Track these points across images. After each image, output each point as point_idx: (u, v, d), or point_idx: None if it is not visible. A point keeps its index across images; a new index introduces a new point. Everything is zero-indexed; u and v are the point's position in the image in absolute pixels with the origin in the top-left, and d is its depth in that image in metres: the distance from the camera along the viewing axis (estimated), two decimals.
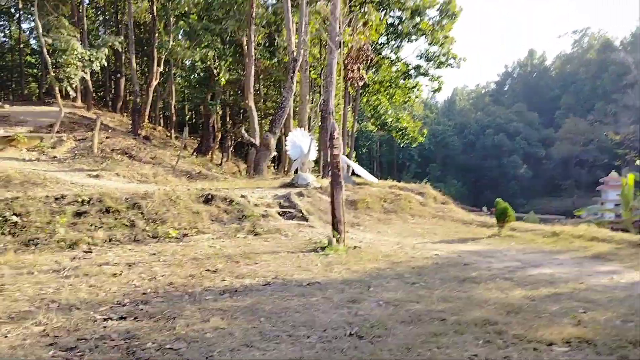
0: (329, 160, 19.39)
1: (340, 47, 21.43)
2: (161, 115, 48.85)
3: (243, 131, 21.83)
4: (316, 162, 19.67)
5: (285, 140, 15.87)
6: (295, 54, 20.55)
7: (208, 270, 7.25)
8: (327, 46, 19.72)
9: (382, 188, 14.33)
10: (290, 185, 15.23)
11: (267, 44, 33.04)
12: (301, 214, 11.81)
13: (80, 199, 10.41)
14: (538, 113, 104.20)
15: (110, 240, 9.49)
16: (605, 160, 73.20)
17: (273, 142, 20.06)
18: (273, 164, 35.87)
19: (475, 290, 6.30)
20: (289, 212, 11.89)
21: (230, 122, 41.72)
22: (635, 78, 63.14)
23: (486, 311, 5.32)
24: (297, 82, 22.15)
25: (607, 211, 26.45)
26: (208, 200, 11.49)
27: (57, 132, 20.21)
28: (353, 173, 16.28)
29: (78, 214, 10.05)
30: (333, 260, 8.00)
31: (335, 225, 9.17)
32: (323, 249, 8.82)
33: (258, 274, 7.08)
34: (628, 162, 70.88)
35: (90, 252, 8.78)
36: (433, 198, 14.62)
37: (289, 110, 23.30)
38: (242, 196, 12.03)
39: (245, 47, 27.02)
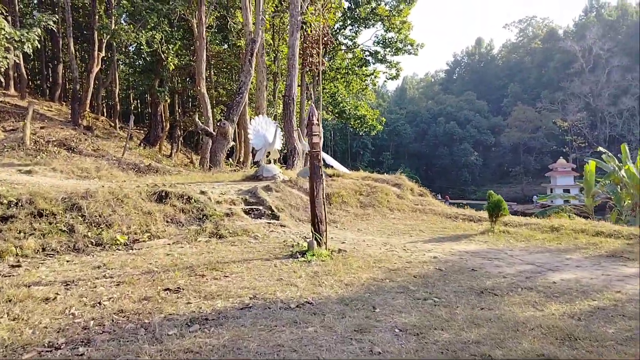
0: (299, 149, 18.10)
1: (302, 28, 20.01)
2: (104, 105, 45.98)
3: (197, 119, 20.06)
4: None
5: (248, 129, 14.34)
6: (253, 35, 18.92)
7: (168, 289, 5.81)
8: (288, 27, 18.25)
9: (356, 180, 13.14)
10: (254, 178, 13.81)
11: (218, 28, 31.06)
12: (271, 212, 10.44)
13: (5, 201, 8.63)
14: (486, 101, 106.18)
15: (43, 249, 7.85)
16: (552, 147, 75.24)
17: (230, 130, 18.41)
18: (226, 156, 34.11)
19: (501, 306, 5.18)
20: (257, 210, 10.49)
21: (180, 110, 39.51)
22: (581, 66, 64.93)
23: (534, 340, 4.20)
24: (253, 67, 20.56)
25: (571, 198, 26.41)
26: (162, 198, 9.92)
27: None
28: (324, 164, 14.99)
29: (3, 219, 8.29)
30: (318, 269, 6.72)
31: (317, 225, 7.87)
32: (303, 254, 7.53)
33: (231, 292, 5.72)
34: (575, 149, 73.27)
35: (19, 266, 7.14)
36: (410, 190, 13.57)
37: (244, 102, 21.67)
38: (202, 192, 10.53)
39: (196, 29, 25.07)
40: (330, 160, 13.45)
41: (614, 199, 20.84)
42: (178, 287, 5.85)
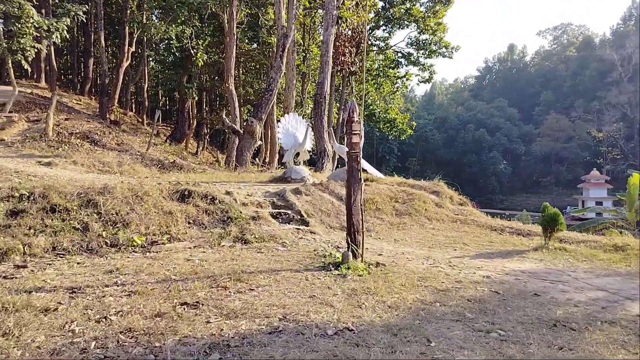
0: (330, 150, 17.24)
1: (337, 22, 19.22)
2: (133, 100, 46.03)
3: (224, 116, 19.43)
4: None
5: (277, 127, 13.58)
6: (285, 29, 18.20)
7: (185, 303, 5.05)
8: (322, 23, 17.47)
9: (391, 185, 12.26)
10: (282, 180, 13.04)
11: (248, 25, 30.51)
12: (300, 217, 9.65)
13: (17, 194, 8.03)
14: (517, 109, 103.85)
15: (54, 249, 7.21)
16: (585, 158, 72.82)
17: (258, 129, 17.72)
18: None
19: (582, 345, 4.27)
20: (285, 214, 9.71)
21: (207, 108, 39.14)
22: (619, 75, 62.60)
23: None
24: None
25: (611, 212, 24.98)
26: (184, 197, 9.22)
27: (10, 112, 17.53)
28: None
29: (13, 214, 7.70)
30: (356, 285, 5.88)
31: (353, 235, 7.04)
32: (337, 266, 6.71)
33: (257, 309, 4.92)
34: (609, 161, 70.76)
35: (25, 266, 6.52)
36: (449, 198, 12.62)
37: (274, 99, 20.89)
38: (227, 193, 9.80)
39: (226, 25, 24.51)
40: (364, 163, 12.62)
41: None
42: (197, 302, 5.09)
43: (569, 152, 79.35)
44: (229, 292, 5.53)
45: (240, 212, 9.19)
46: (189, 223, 8.65)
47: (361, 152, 7.35)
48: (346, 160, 7.26)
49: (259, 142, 18.89)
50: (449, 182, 13.51)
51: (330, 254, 7.46)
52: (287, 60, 23.66)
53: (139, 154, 15.84)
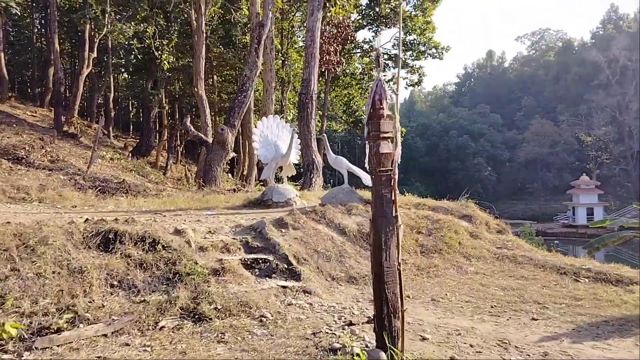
0: (319, 162, 13.99)
1: (324, 6, 16.25)
2: (102, 112, 42.61)
3: (188, 123, 16.18)
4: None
5: (253, 134, 10.35)
6: (261, 17, 15.07)
7: None
8: (307, 6, 14.45)
9: (407, 209, 9.20)
10: (260, 203, 9.90)
11: (219, 23, 27.35)
12: (286, 265, 6.51)
13: None
14: (499, 115, 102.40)
15: None
16: (574, 163, 71.03)
17: (230, 137, 14.44)
18: (229, 168, 30.21)
19: None
20: (264, 262, 6.56)
21: (179, 117, 35.85)
22: (607, 78, 61.06)
23: None
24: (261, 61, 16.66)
25: (629, 225, 22.24)
26: (109, 243, 6.03)
27: None
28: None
29: None
30: None
31: (386, 319, 3.96)
32: None
33: None
34: (599, 165, 69.06)
35: None
36: (485, 224, 9.57)
37: (250, 101, 17.60)
38: (177, 232, 6.64)
39: (194, 21, 21.36)
40: (366, 178, 9.45)
41: None
42: None
43: (555, 158, 77.50)
44: None
45: (196, 264, 6.02)
46: (112, 287, 5.46)
47: (397, 171, 4.33)
48: (368, 181, 4.25)
49: (232, 154, 15.70)
50: (480, 201, 10.50)
51: (344, 346, 4.34)
52: (265, 60, 20.57)
53: (79, 174, 12.56)
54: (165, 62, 23.61)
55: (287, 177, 11.02)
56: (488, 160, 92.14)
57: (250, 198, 10.23)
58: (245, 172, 26.41)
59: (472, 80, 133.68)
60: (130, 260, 5.92)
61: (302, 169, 14.45)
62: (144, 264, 5.91)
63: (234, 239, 6.99)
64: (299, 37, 35.88)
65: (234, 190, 12.80)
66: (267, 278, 6.33)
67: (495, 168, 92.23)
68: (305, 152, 13.24)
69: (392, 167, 4.21)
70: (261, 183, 14.81)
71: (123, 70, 33.71)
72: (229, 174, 30.61)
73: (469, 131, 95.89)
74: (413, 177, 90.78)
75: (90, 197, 10.15)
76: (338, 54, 22.09)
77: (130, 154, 24.78)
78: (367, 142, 4.44)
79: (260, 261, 6.57)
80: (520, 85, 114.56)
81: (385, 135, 4.20)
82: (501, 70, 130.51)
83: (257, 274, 6.39)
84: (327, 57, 21.26)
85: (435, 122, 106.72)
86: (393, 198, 4.15)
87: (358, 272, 6.94)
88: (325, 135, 10.21)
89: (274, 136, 10.47)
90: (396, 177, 4.27)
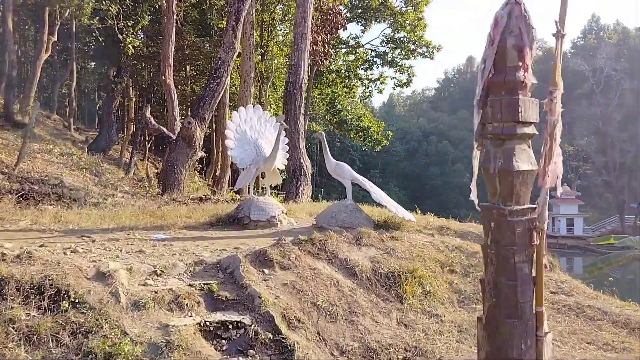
0: (307, 167, 11.33)
1: None
2: (64, 102, 39.45)
3: (147, 114, 13.51)
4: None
5: (227, 129, 7.80)
6: None
7: None
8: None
9: (430, 235, 6.84)
10: (234, 222, 7.44)
11: (192, 5, 24.74)
12: (272, 334, 4.10)
13: None
14: None
15: None
16: None
17: (199, 133, 11.78)
18: (200, 167, 27.50)
19: None
20: (237, 326, 4.15)
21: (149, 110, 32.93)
22: (590, 87, 60.18)
23: None
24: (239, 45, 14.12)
25: (635, 243, 20.46)
26: None
27: None
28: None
29: None
30: None
31: None
32: None
33: None
34: (581, 176, 68.29)
35: None
36: None
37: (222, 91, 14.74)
38: (101, 274, 4.19)
39: (164, 1, 18.73)
40: (380, 196, 7.09)
41: None
42: None
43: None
44: None
45: (124, 336, 3.63)
46: None
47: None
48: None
49: (201, 153, 13.12)
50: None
51: None
52: (243, 47, 18.08)
53: (4, 172, 9.89)
54: (129, 46, 20.89)
55: (270, 186, 8.59)
56: (467, 166, 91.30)
57: (219, 214, 7.75)
58: (217, 174, 23.76)
59: (452, 85, 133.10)
60: (13, 328, 3.49)
61: (286, 176, 12.06)
62: (35, 336, 3.47)
63: (191, 285, 4.54)
64: (280, 29, 33.46)
65: (201, 199, 10.26)
66: (240, 357, 3.93)
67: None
68: (291, 154, 10.65)
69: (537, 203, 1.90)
70: (235, 192, 12.35)
71: (84, 56, 30.76)
72: (200, 174, 27.93)
73: (448, 137, 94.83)
74: (391, 181, 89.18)
75: (6, 205, 7.57)
76: (326, 44, 19.73)
77: (87, 149, 21.94)
78: (475, 145, 2.14)
79: (231, 326, 4.15)
80: None
81: (525, 128, 1.87)
82: None
83: (224, 348, 3.98)
84: (314, 47, 18.88)
85: (414, 127, 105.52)
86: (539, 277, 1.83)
87: (378, 340, 4.58)
88: (323, 133, 7.82)
89: (254, 132, 8.02)
90: (545, 226, 1.95)
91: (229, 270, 4.89)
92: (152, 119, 13.66)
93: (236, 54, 12.35)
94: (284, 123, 7.72)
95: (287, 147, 8.64)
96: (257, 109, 8.37)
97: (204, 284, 4.59)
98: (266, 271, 4.98)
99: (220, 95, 12.78)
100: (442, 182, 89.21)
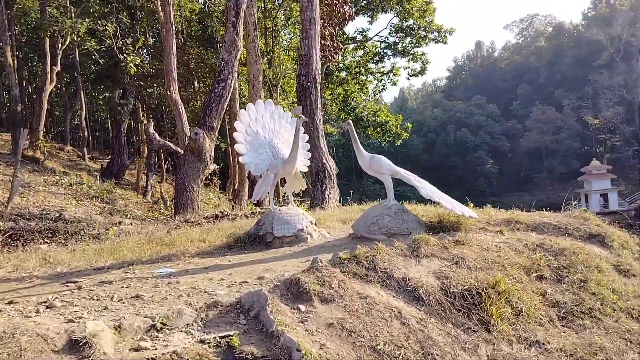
0: (331, 168, 9.90)
1: None
2: (78, 133, 39.09)
3: (151, 130, 12.41)
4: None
5: (236, 131, 6.59)
6: None
7: None
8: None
9: (497, 232, 5.58)
10: (255, 240, 6.26)
11: (194, 19, 23.78)
12: None
13: None
14: (496, 105, 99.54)
15: None
16: (584, 148, 67.60)
17: (209, 143, 10.59)
18: (220, 182, 26.43)
19: None
20: None
21: (159, 130, 32.11)
22: (610, 56, 57.79)
23: None
24: (243, 46, 12.94)
25: None
26: None
27: None
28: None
29: None
30: None
31: None
32: None
33: None
34: (610, 149, 65.65)
35: None
36: (622, 247, 5.96)
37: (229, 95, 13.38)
38: (75, 343, 2.93)
39: (160, 10, 17.77)
40: (434, 193, 5.79)
41: None
42: None
43: (560, 144, 74.14)
44: None
45: None
46: None
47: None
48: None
49: (213, 166, 11.90)
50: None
51: None
52: (248, 51, 16.94)
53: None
54: (131, 64, 19.95)
55: (293, 193, 7.35)
56: (489, 152, 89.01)
57: (237, 233, 6.54)
58: (236, 184, 22.64)
59: (464, 72, 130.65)
60: None
61: (308, 180, 10.82)
62: None
63: (202, 341, 3.30)
64: (285, 34, 32.41)
65: (216, 216, 9.09)
66: None
67: (497, 160, 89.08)
68: (312, 155, 9.35)
69: None
70: (255, 205, 11.18)
71: (89, 82, 30.05)
72: (220, 189, 26.85)
73: (466, 124, 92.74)
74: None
75: None
76: (335, 38, 18.47)
77: (99, 176, 21.05)
78: None
79: None
80: (513, 73, 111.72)
81: None
82: (492, 61, 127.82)
83: None
84: (323, 42, 17.64)
85: (430, 118, 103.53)
86: None
87: None
88: (351, 122, 6.57)
89: (267, 132, 6.81)
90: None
91: (253, 312, 3.64)
92: (156, 134, 12.61)
93: (240, 52, 11.19)
94: (302, 116, 6.46)
95: (308, 146, 7.42)
96: (268, 104, 7.16)
97: (221, 338, 3.35)
98: (302, 308, 3.72)
99: (227, 99, 11.59)
100: (464, 171, 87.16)
